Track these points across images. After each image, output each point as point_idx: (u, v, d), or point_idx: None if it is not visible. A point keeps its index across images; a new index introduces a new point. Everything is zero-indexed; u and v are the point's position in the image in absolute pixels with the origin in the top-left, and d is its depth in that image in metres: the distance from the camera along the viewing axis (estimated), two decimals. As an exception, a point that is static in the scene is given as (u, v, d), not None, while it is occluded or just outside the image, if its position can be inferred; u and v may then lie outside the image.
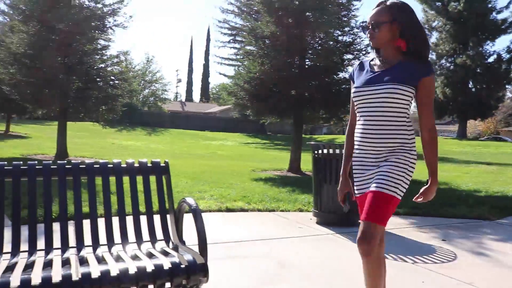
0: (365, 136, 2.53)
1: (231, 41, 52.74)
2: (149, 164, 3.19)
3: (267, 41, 12.54)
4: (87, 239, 2.91)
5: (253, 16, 20.43)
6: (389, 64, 2.53)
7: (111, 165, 3.11)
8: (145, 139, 32.29)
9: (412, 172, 2.50)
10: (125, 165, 3.14)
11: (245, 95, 12.57)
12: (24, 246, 2.80)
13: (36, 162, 3.01)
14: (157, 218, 3.09)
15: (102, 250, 2.85)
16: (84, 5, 14.30)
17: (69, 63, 13.60)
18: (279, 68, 11.98)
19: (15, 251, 2.76)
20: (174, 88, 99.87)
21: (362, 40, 13.06)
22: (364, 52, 12.97)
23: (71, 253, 2.79)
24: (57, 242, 2.86)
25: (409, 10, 2.53)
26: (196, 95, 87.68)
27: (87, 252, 2.79)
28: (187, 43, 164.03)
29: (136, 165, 3.17)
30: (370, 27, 2.55)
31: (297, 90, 12.33)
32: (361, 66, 2.71)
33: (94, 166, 3.08)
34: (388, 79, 2.46)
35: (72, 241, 2.92)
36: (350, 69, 10.90)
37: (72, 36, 13.50)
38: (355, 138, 2.63)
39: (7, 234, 2.79)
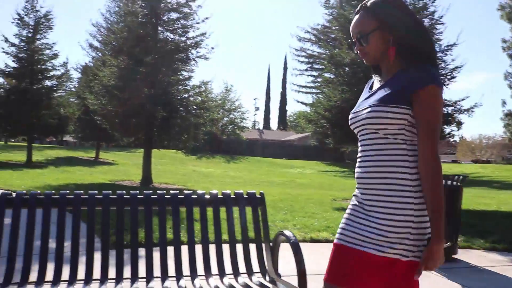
0: (357, 171, 1.98)
1: (308, 69, 53.19)
2: (245, 196, 3.22)
3: (347, 69, 12.45)
4: (185, 267, 2.95)
5: (331, 43, 20.39)
6: (385, 81, 2.00)
7: (208, 196, 3.17)
8: (224, 166, 32.88)
9: (425, 215, 1.80)
10: (221, 196, 3.18)
11: (326, 123, 12.48)
12: (126, 273, 2.89)
13: (137, 192, 3.12)
14: (252, 249, 3.09)
15: (200, 280, 2.87)
16: (169, 39, 15.00)
17: (154, 94, 14.22)
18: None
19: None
20: (252, 116, 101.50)
21: (447, 65, 12.65)
22: (449, 77, 12.54)
23: (170, 282, 2.84)
24: (156, 270, 2.93)
25: (396, 3, 1.95)
26: (274, 123, 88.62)
27: (185, 280, 2.83)
28: (264, 71, 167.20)
29: (232, 196, 3.20)
30: (356, 42, 2.00)
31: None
32: (367, 86, 2.19)
33: (192, 196, 3.14)
34: (371, 101, 1.93)
35: (166, 269, 2.97)
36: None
37: (158, 68, 14.17)
38: None
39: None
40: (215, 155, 41.76)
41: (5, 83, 21.54)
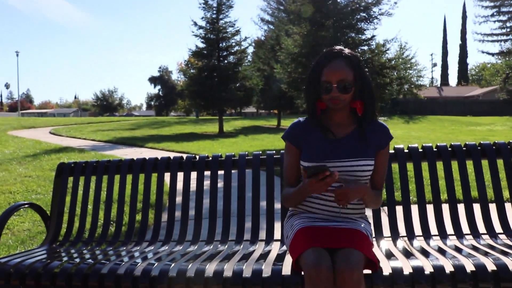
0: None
1: (494, 13, 47.79)
2: (493, 147, 2.99)
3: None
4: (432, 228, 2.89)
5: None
6: (344, 132, 2.29)
7: (451, 148, 3.03)
8: (404, 127, 31.67)
9: None
10: (465, 148, 3.02)
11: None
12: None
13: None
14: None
15: (453, 241, 2.79)
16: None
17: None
18: None
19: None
20: (429, 74, 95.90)
21: None
22: None
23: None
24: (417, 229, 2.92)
25: (362, 64, 2.27)
26: (452, 78, 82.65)
27: (435, 239, 2.77)
28: (439, 24, 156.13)
29: (478, 148, 3.00)
30: (336, 88, 2.17)
31: None
32: (304, 127, 2.37)
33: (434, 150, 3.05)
34: (354, 151, 2.22)
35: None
36: None
37: (340, 30, 14.02)
38: None
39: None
40: (393, 115, 40.41)
41: (190, 64, 23.67)
